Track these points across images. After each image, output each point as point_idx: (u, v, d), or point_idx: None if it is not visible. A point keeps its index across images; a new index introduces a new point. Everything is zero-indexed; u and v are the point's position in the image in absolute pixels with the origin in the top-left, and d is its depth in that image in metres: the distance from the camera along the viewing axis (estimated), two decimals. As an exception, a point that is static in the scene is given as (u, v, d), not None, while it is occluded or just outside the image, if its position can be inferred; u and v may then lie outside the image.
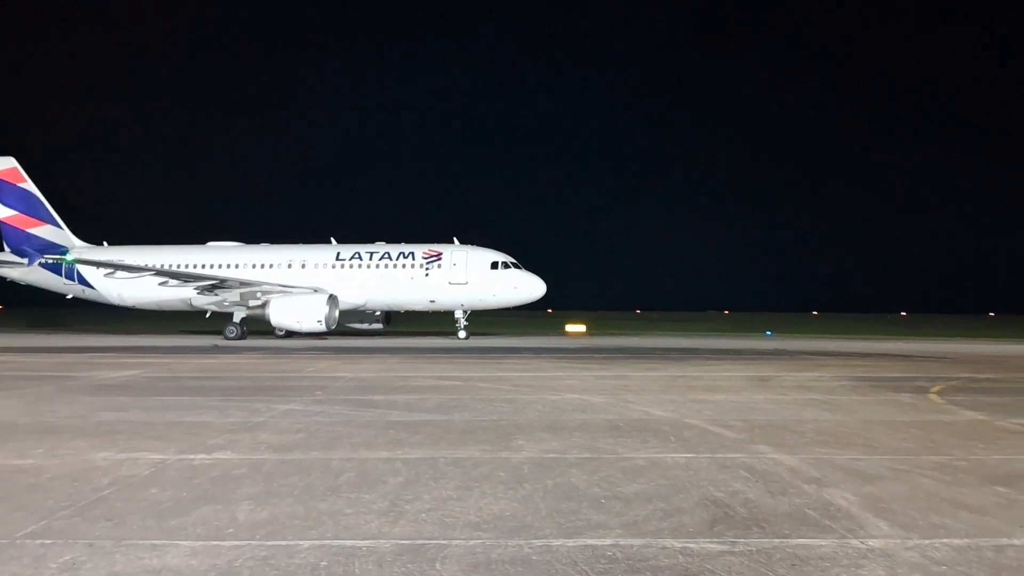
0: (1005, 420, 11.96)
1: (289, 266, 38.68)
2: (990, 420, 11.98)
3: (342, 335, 39.57)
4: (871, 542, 5.58)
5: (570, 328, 47.86)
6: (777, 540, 5.59)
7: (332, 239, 40.61)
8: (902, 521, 6.15)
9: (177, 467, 8.01)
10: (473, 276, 36.97)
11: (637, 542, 5.54)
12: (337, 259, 38.66)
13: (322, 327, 34.88)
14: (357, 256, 38.55)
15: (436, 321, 44.38)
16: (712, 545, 5.47)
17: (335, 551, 5.35)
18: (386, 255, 38.47)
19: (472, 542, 5.56)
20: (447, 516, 6.23)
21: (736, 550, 5.36)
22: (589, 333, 46.86)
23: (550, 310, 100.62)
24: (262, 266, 38.86)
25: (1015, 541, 5.69)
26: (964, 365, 24.43)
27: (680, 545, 5.46)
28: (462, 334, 37.97)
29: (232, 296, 37.09)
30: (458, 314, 38.48)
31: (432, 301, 37.90)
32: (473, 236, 39.98)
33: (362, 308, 39.04)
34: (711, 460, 8.53)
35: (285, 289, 36.99)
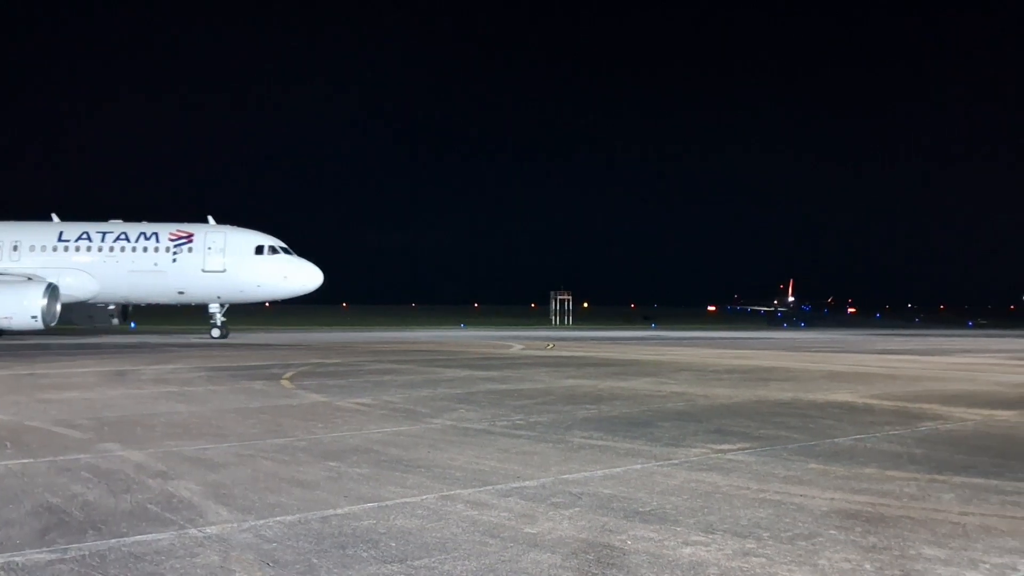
0: (343, 400, 13.37)
1: None
2: (330, 401, 13.29)
3: (68, 333, 32.20)
4: (209, 529, 5.78)
5: None
6: (114, 540, 5.46)
7: (54, 215, 31.99)
8: (241, 505, 6.48)
9: None
10: (233, 262, 30.40)
11: (-51, 566, 4.94)
12: (60, 240, 30.16)
13: (38, 324, 27.12)
14: (86, 236, 30.23)
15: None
16: (41, 555, 5.12)
17: None
18: (123, 236, 30.44)
19: None
20: None
21: (68, 556, 5.10)
22: None
23: None
24: None
25: (338, 511, 6.38)
26: (317, 351, 26.66)
27: (3, 561, 5.01)
28: (216, 332, 31.60)
29: None
30: (213, 308, 31.62)
31: (181, 293, 31.04)
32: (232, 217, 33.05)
33: (92, 301, 30.98)
34: (51, 464, 7.97)
35: None
